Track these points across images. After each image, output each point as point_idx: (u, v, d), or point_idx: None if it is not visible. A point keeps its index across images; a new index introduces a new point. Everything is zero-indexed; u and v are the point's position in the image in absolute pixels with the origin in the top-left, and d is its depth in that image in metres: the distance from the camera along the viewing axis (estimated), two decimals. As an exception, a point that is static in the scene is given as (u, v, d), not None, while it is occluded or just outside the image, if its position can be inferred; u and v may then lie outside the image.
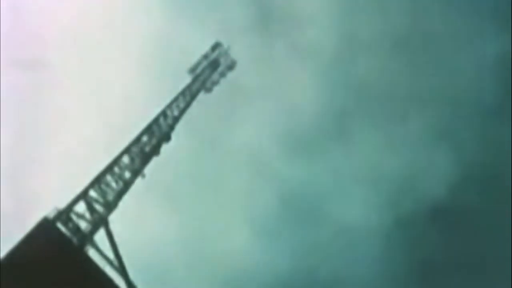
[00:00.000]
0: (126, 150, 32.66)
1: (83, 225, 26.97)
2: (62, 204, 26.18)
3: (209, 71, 48.80)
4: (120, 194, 30.21)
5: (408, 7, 68.32)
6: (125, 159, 32.24)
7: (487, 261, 57.73)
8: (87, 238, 26.56)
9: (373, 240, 62.06)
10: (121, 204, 29.89)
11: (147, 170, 33.42)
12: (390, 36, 67.39)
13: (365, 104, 67.93)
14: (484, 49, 64.22)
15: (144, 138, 35.09)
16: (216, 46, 50.74)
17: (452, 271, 60.03)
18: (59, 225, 25.31)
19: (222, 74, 50.58)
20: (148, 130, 35.75)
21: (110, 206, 29.07)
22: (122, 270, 27.24)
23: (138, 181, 32.27)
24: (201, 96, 45.79)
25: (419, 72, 67.64)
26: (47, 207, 25.39)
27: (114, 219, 28.91)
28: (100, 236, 27.50)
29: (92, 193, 28.63)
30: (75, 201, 27.10)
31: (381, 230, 62.26)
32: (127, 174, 31.73)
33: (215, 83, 49.77)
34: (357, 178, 65.04)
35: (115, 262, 27.28)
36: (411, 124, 66.38)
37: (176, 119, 39.21)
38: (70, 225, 25.94)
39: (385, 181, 64.48)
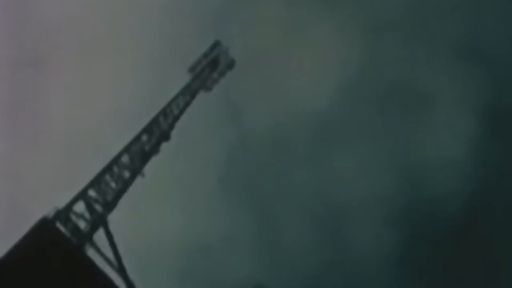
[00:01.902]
0: (126, 150, 32.55)
1: (82, 225, 26.91)
2: (61, 204, 26.11)
3: (209, 70, 48.61)
4: (119, 194, 30.11)
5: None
6: (125, 159, 32.12)
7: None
8: (86, 238, 26.48)
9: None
10: (120, 203, 29.84)
11: (146, 169, 33.37)
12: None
13: (375, 101, 66.41)
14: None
15: (144, 137, 34.94)
16: (215, 44, 50.51)
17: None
18: (58, 225, 25.24)
19: (222, 73, 50.39)
20: (147, 129, 35.61)
21: (110, 206, 28.99)
22: (121, 270, 27.20)
23: (138, 180, 32.23)
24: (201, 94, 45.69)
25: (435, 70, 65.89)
26: (46, 207, 25.33)
27: (113, 218, 28.86)
28: (99, 236, 27.43)
29: (91, 193, 28.53)
30: (74, 201, 27.02)
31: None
32: (127, 174, 31.61)
33: (215, 81, 49.60)
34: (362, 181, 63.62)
35: (115, 262, 27.23)
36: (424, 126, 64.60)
37: (176, 118, 39.09)
38: (69, 225, 25.87)
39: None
